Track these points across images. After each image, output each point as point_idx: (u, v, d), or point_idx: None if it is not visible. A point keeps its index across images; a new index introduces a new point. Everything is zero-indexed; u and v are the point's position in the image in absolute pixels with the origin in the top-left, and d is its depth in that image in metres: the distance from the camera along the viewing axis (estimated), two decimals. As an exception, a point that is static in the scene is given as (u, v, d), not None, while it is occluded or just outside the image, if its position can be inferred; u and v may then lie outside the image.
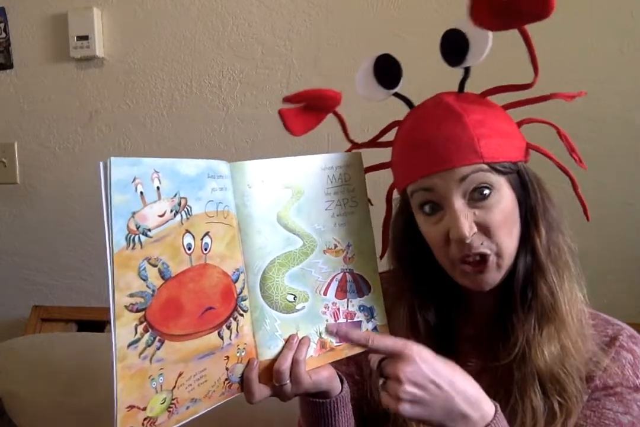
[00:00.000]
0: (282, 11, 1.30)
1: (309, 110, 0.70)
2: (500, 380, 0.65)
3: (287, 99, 0.68)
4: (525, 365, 0.63)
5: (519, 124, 0.67)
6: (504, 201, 0.61)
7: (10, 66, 1.47)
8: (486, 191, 0.60)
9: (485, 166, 0.60)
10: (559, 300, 0.63)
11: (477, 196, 0.60)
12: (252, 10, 1.32)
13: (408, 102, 0.69)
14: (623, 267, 1.13)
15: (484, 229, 0.61)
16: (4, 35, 1.46)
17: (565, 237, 0.65)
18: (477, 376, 0.59)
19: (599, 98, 1.11)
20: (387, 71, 0.68)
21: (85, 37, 1.38)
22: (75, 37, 1.39)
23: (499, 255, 0.62)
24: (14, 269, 1.52)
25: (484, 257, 0.62)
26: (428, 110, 0.65)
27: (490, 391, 0.63)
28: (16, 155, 1.49)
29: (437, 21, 1.20)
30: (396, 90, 0.69)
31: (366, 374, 0.75)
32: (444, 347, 0.68)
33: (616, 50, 1.11)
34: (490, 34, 0.61)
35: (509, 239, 0.62)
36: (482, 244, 0.61)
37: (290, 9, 1.30)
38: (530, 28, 0.58)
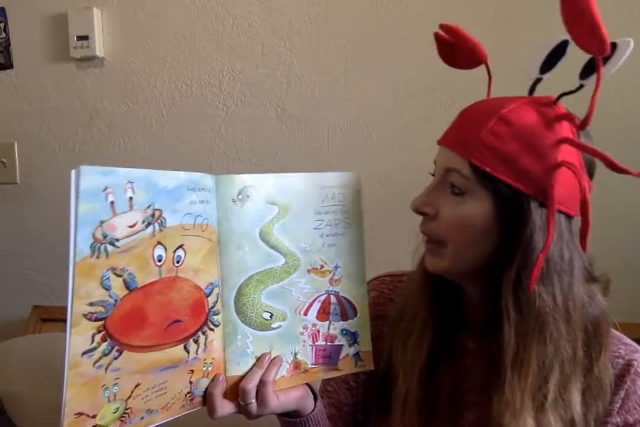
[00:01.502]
0: (282, 11, 1.30)
1: (459, 48, 0.66)
2: None
3: (444, 27, 0.65)
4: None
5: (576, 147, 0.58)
6: (473, 212, 0.58)
7: (10, 66, 1.47)
8: (459, 192, 0.59)
9: (469, 173, 0.57)
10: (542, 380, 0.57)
11: (454, 191, 0.59)
12: (252, 10, 1.32)
13: (531, 90, 0.65)
14: (623, 267, 1.13)
15: (439, 221, 0.60)
16: (4, 35, 1.46)
17: (548, 287, 0.56)
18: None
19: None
20: (551, 56, 0.63)
21: (85, 37, 1.38)
22: (75, 37, 1.39)
23: (445, 247, 0.60)
24: (14, 269, 1.52)
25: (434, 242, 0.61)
26: (507, 97, 0.61)
27: None
28: (16, 155, 1.49)
29: (438, 21, 1.20)
30: (541, 76, 0.64)
31: (361, 380, 0.74)
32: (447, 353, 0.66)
33: (616, 50, 1.11)
34: (631, 43, 0.56)
35: (457, 243, 0.59)
36: (430, 229, 0.61)
37: (290, 9, 1.29)
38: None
